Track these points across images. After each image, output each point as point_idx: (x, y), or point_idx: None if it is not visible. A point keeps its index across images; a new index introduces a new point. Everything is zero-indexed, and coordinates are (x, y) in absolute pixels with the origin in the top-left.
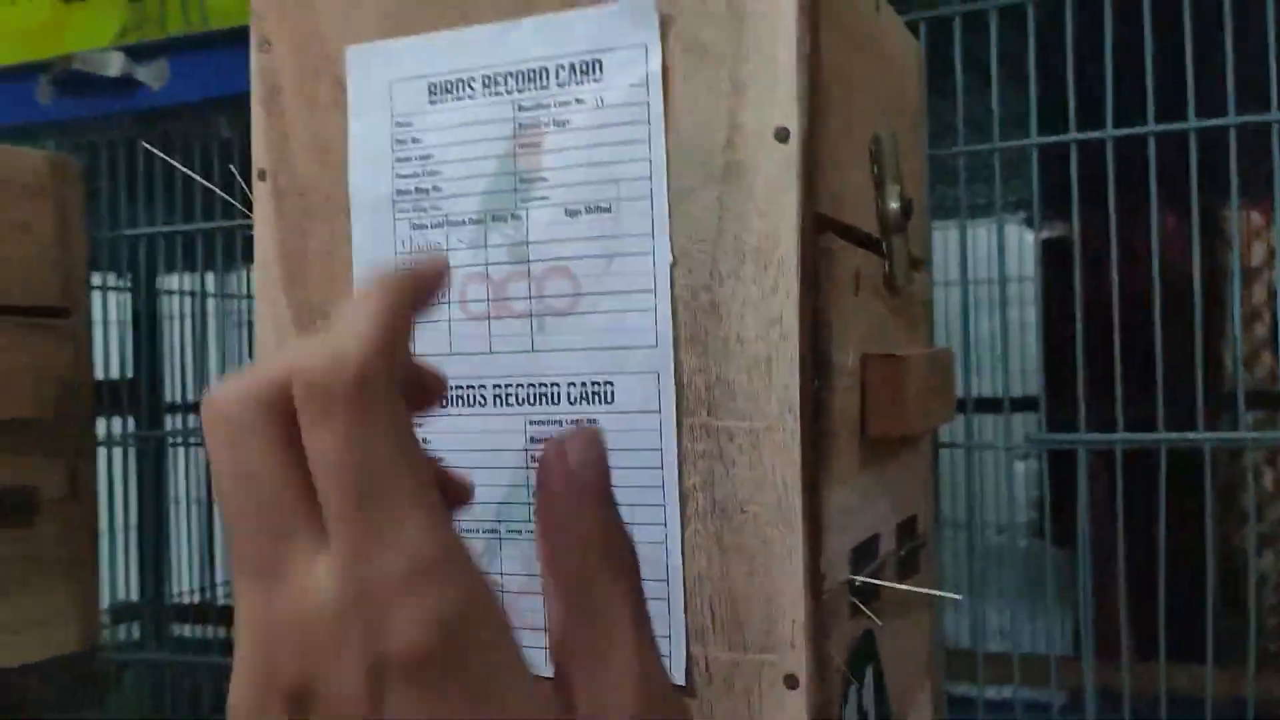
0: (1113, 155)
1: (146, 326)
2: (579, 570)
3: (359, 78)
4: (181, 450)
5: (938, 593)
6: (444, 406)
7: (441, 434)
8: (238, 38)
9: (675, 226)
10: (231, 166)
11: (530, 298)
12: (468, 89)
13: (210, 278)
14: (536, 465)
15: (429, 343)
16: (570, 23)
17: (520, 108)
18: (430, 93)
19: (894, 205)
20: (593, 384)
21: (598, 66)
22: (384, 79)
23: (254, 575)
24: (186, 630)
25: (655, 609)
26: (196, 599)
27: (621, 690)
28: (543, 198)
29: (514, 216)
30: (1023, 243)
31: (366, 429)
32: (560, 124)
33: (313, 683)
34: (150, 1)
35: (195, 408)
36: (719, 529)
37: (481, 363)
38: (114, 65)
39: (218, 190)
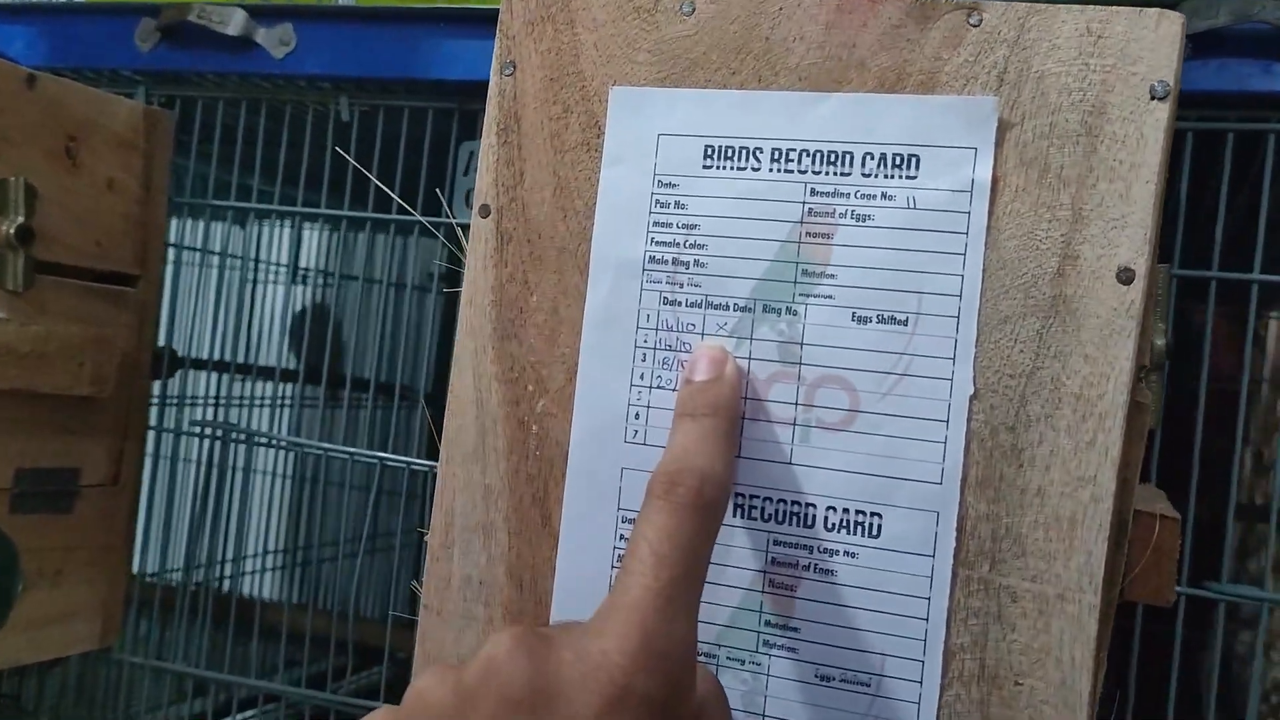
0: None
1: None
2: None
3: (622, 122)
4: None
5: None
6: None
7: None
8: (374, 17)
9: (982, 354)
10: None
11: (797, 404)
12: (752, 159)
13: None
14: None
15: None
16: (888, 108)
17: (813, 191)
18: (706, 155)
19: (1160, 343)
20: (858, 512)
21: (914, 162)
22: (651, 129)
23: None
24: None
25: None
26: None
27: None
28: (827, 296)
29: (790, 311)
30: None
31: (690, 531)
32: (860, 218)
33: (539, 690)
34: None
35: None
36: (984, 697)
37: None
38: (235, 23)
39: (396, 197)
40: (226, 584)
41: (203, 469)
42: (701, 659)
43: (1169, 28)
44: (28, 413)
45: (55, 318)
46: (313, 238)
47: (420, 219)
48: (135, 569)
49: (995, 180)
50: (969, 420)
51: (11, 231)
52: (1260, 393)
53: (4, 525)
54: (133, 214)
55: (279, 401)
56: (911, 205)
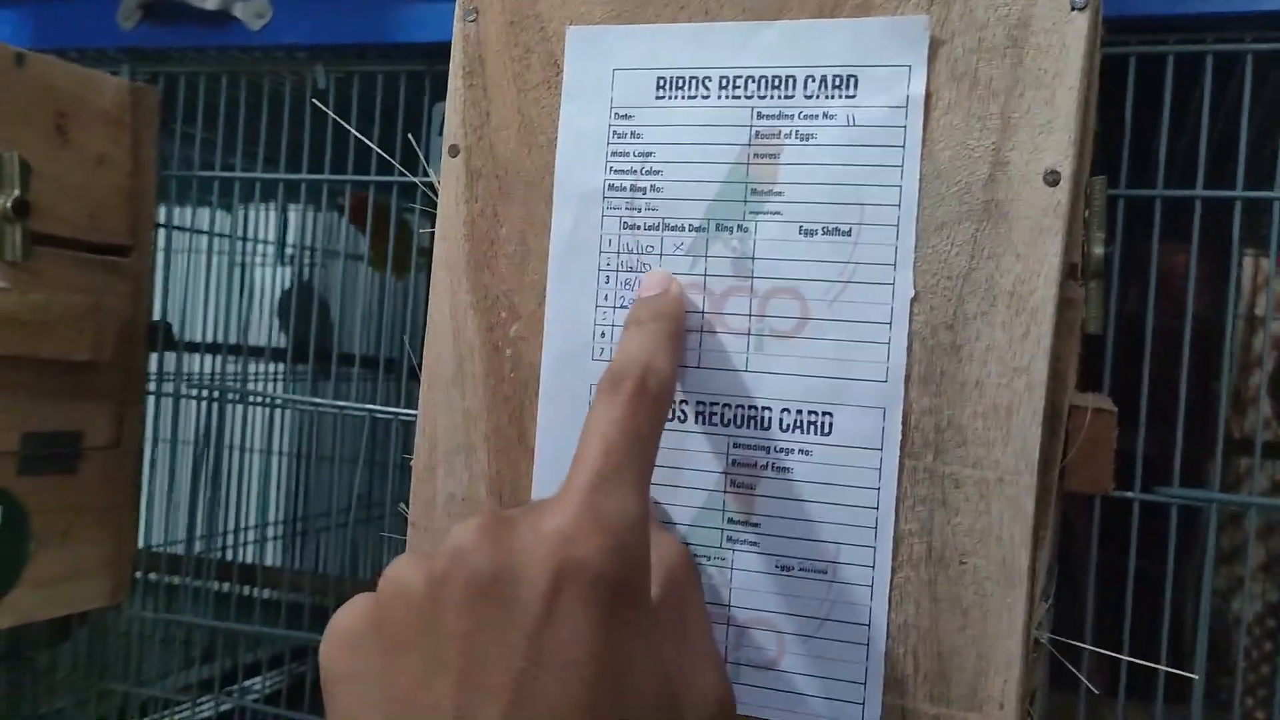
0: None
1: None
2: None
3: (579, 60)
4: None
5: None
6: None
7: None
8: None
9: (921, 259)
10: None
11: (750, 315)
12: (702, 88)
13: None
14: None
15: None
16: (826, 32)
17: (759, 115)
18: (658, 86)
19: (1098, 250)
20: (810, 413)
21: (852, 82)
22: (607, 65)
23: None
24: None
25: (852, 653)
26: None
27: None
28: (775, 213)
29: (741, 229)
30: None
31: (634, 419)
32: (804, 138)
33: (500, 572)
34: None
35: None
36: (932, 578)
37: (687, 376)
38: None
39: (378, 150)
40: (229, 553)
41: (200, 435)
42: None
43: None
44: (31, 378)
45: (53, 287)
46: (298, 218)
47: (399, 169)
48: (141, 542)
49: (929, 95)
50: (910, 321)
51: (9, 205)
52: (1237, 329)
53: (13, 487)
54: (123, 187)
55: (271, 377)
56: (851, 123)
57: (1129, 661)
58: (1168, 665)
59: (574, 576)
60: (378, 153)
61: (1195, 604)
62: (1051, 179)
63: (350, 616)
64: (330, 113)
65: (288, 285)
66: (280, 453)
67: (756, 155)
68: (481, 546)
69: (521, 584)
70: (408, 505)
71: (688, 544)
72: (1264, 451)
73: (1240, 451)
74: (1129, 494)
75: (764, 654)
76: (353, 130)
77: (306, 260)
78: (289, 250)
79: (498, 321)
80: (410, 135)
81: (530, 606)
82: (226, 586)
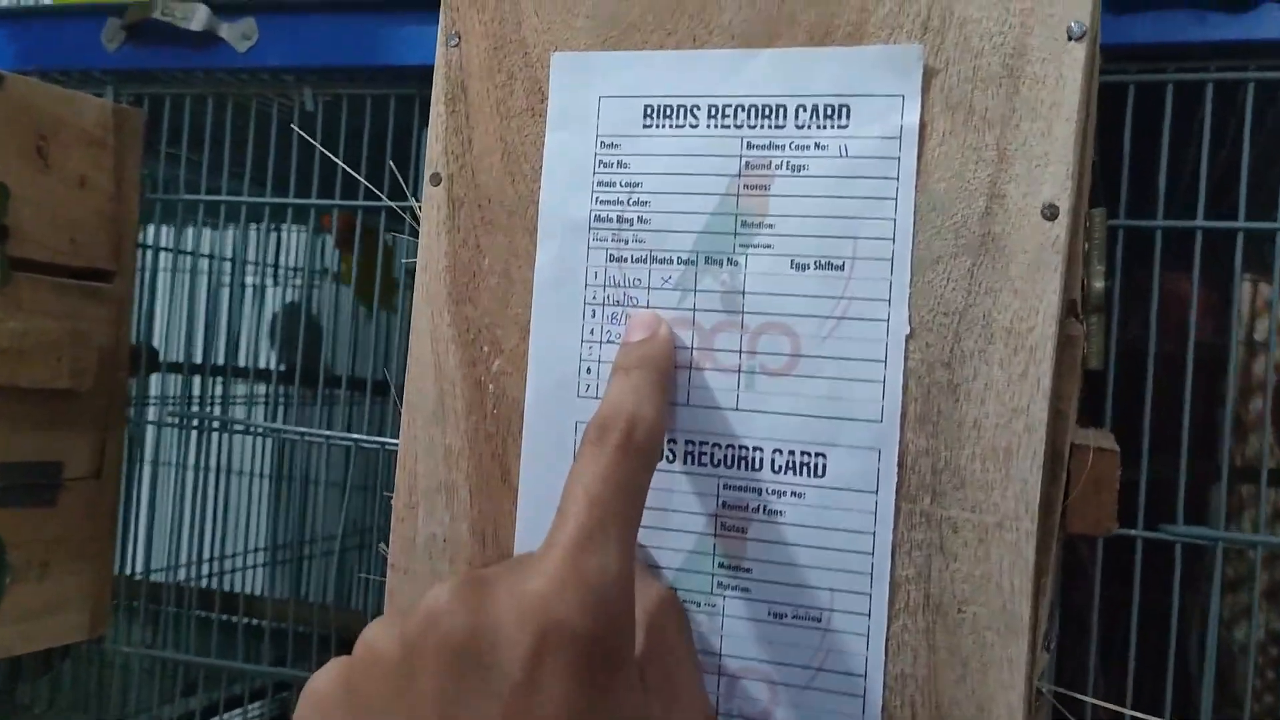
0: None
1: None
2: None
3: (564, 88)
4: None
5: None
6: None
7: None
8: (333, 7)
9: (916, 295)
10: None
11: (741, 352)
12: (690, 117)
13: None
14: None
15: None
16: (817, 60)
17: (749, 145)
18: (645, 115)
19: (1098, 284)
20: (803, 454)
21: (844, 112)
22: (593, 93)
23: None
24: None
25: (847, 705)
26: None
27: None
28: (766, 246)
29: (731, 262)
30: None
31: (620, 470)
32: (795, 169)
33: (478, 634)
34: None
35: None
36: (930, 626)
37: (675, 415)
38: (198, 18)
39: (361, 179)
40: (214, 581)
41: (184, 461)
42: None
43: None
44: (9, 408)
45: (32, 314)
46: (289, 238)
47: (384, 197)
48: (124, 568)
49: (923, 125)
50: (906, 359)
51: None
52: (1237, 355)
53: None
54: (105, 211)
55: (256, 400)
56: (844, 154)
57: (1134, 715)
58: (1173, 690)
59: (554, 639)
60: (364, 184)
61: (1200, 636)
62: (1050, 213)
63: (322, 681)
64: (315, 142)
65: (278, 308)
66: (265, 475)
67: (746, 186)
68: (457, 608)
69: (500, 647)
70: (388, 545)
71: (676, 589)
72: (1267, 479)
73: (1242, 479)
74: (1132, 531)
75: (756, 705)
76: (339, 161)
77: (295, 282)
78: (280, 272)
79: (480, 356)
80: (392, 162)
81: (509, 670)
82: (211, 614)
